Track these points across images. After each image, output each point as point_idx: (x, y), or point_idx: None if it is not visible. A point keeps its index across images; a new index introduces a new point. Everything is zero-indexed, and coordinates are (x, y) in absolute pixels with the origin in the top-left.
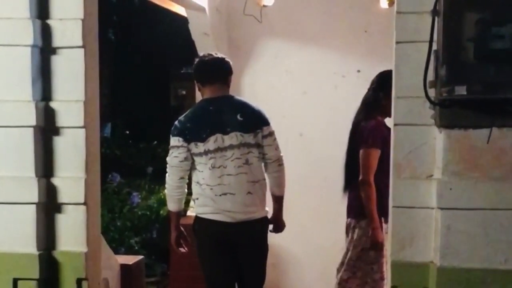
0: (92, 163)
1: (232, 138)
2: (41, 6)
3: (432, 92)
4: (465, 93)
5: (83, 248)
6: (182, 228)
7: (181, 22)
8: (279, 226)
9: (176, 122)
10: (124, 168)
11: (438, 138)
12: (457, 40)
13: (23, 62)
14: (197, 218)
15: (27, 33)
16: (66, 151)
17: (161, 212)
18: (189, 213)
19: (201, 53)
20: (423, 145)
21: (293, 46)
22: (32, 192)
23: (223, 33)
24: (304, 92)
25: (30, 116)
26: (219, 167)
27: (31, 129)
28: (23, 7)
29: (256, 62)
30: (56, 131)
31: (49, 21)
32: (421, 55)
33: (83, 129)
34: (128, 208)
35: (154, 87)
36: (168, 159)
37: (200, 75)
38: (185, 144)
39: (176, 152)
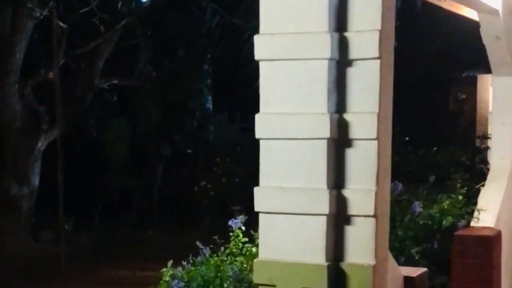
0: (383, 175)
1: None
2: (339, 19)
3: None
4: None
5: (371, 261)
6: None
7: (465, 24)
8: None
9: None
10: (402, 175)
11: None
12: None
13: (319, 75)
14: None
15: (325, 47)
16: (357, 163)
17: (443, 222)
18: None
19: None
20: None
21: None
22: (323, 203)
23: None
24: None
25: (324, 128)
26: None
27: (325, 141)
28: (322, 21)
29: None
30: (348, 143)
31: (346, 34)
32: None
33: (376, 141)
34: (409, 217)
35: (433, 92)
36: None
37: None
38: None
39: None
